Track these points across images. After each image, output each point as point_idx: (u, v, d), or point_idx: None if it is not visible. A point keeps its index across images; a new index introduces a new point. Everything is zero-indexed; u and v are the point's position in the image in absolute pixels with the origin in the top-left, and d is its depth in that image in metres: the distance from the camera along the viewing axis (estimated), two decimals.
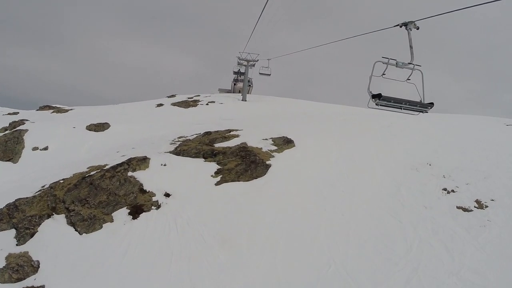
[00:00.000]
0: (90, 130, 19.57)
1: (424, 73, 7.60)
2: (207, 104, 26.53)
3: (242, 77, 37.99)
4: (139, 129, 18.79)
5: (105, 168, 10.34)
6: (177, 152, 11.22)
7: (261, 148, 11.24)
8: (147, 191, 9.29)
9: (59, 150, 16.30)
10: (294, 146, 11.93)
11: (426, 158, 12.11)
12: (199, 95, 32.01)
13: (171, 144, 12.77)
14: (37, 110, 30.99)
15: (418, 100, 7.67)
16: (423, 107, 7.71)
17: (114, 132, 18.92)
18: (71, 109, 30.84)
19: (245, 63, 34.11)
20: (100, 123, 19.88)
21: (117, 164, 10.03)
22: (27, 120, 21.09)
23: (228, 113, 22.60)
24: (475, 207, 9.16)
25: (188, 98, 30.09)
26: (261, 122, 16.79)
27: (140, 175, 9.71)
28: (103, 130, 19.56)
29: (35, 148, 16.50)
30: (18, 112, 25.94)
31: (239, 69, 36.71)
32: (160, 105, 27.20)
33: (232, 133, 12.91)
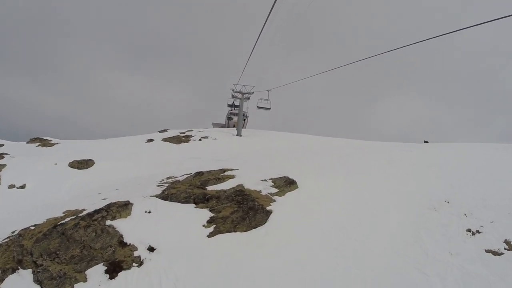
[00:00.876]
0: (72, 167, 18.41)
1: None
2: (200, 139, 25.61)
3: (237, 109, 37.29)
4: (126, 167, 17.67)
5: (80, 215, 9.11)
6: (165, 196, 10.04)
7: (260, 191, 10.12)
8: (128, 244, 8.02)
9: (37, 189, 15.11)
10: (297, 187, 10.84)
11: (442, 195, 11.10)
12: (191, 130, 31.18)
13: (158, 186, 11.61)
14: (27, 142, 29.87)
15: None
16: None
17: (98, 170, 17.78)
18: (57, 143, 29.79)
19: (240, 95, 33.52)
20: (83, 160, 18.74)
21: (94, 211, 8.79)
22: (7, 154, 19.93)
23: (222, 150, 21.64)
24: (505, 248, 8.06)
25: (180, 133, 29.21)
26: (258, 160, 15.77)
27: (120, 224, 8.47)
28: (87, 168, 18.39)
29: (11, 186, 15.32)
30: (3, 145, 24.68)
31: (233, 102, 36.05)
32: (150, 140, 26.24)
33: (226, 173, 11.82)
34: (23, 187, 15.12)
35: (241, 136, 29.75)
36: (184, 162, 17.27)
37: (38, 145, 28.16)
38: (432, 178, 12.56)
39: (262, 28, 12.47)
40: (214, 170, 12.30)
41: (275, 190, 10.36)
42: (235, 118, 45.11)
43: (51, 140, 34.10)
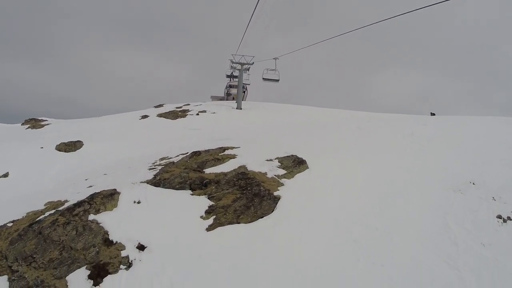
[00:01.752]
0: (59, 150, 17.29)
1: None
2: (197, 114, 24.32)
3: (236, 81, 35.74)
4: (117, 147, 16.54)
5: (61, 208, 8.05)
6: (157, 182, 8.93)
7: (266, 174, 8.99)
8: (114, 242, 6.99)
9: (21, 177, 14.04)
10: (307, 168, 9.70)
11: (467, 175, 10.03)
12: (188, 104, 29.81)
13: (150, 169, 10.49)
14: (22, 124, 29.10)
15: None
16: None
17: (87, 153, 16.67)
18: (48, 124, 28.72)
19: (239, 66, 31.86)
20: (71, 142, 17.61)
21: (74, 204, 7.72)
22: None
23: (221, 125, 20.42)
24: None
25: (177, 107, 27.87)
26: (261, 136, 14.56)
27: (105, 219, 7.40)
28: (75, 150, 17.28)
29: None
30: None
31: (231, 72, 34.15)
32: (145, 116, 24.98)
33: (227, 152, 10.66)
34: (5, 175, 14.03)
35: (241, 109, 28.34)
36: (180, 140, 16.11)
37: (28, 127, 27.07)
38: (452, 155, 11.43)
39: None
40: (212, 149, 11.13)
41: (282, 172, 9.23)
42: (234, 91, 43.53)
43: (42, 121, 33.00)
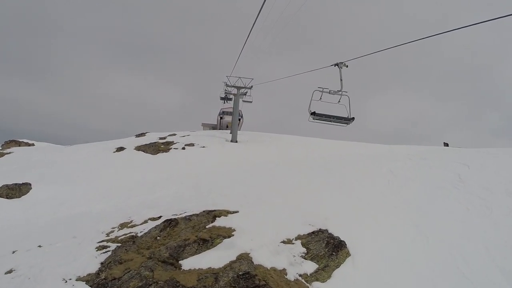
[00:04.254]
0: (0, 196, 13.67)
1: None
2: (183, 148, 20.82)
3: (229, 105, 32.64)
4: (73, 195, 12.97)
5: None
6: (101, 284, 5.39)
7: (284, 272, 5.48)
8: None
9: None
10: (348, 255, 6.19)
11: None
12: (174, 134, 26.40)
13: (99, 248, 6.90)
14: (2, 145, 27.75)
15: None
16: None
17: (33, 201, 13.10)
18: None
19: (235, 90, 28.48)
20: (16, 185, 14.04)
21: None
22: None
23: (211, 164, 16.93)
24: None
25: (160, 138, 24.42)
26: (266, 186, 11.11)
27: None
28: (19, 196, 13.68)
29: None
30: None
31: (225, 95, 30.38)
32: (120, 149, 21.44)
33: (218, 222, 7.15)
34: None
35: (236, 141, 24.84)
36: (154, 188, 12.57)
37: None
38: None
39: (254, 22, 10.34)
40: (196, 215, 7.64)
41: (311, 267, 5.71)
42: (227, 118, 40.31)
43: (18, 144, 30.27)
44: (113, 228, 8.24)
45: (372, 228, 7.45)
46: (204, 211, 7.85)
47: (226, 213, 7.67)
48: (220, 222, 7.13)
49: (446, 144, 27.99)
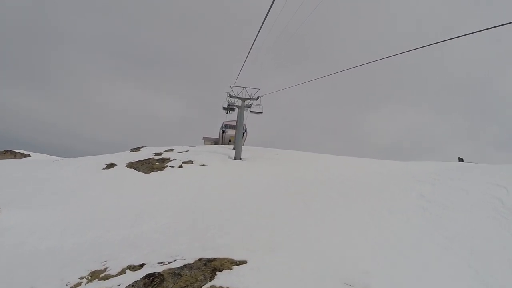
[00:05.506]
0: None
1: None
2: (180, 166, 18.96)
3: (233, 113, 30.02)
4: (47, 222, 11.11)
5: None
6: None
7: None
8: None
9: None
10: None
11: None
12: (172, 150, 24.60)
13: None
14: None
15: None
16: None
17: (0, 227, 11.19)
18: None
19: (239, 102, 26.49)
20: None
21: None
22: None
23: (211, 187, 15.06)
24: None
25: (156, 154, 22.61)
26: (279, 221, 9.23)
27: None
28: None
29: None
30: None
31: (228, 105, 27.85)
32: (111, 165, 19.63)
33: (218, 280, 5.29)
34: None
35: (240, 159, 22.90)
36: (141, 219, 10.69)
37: None
38: None
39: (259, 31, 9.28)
40: (189, 267, 5.77)
41: None
42: (229, 131, 38.49)
43: (13, 155, 28.95)
44: (80, 278, 6.36)
45: (428, 282, 5.57)
46: (200, 260, 5.98)
47: (230, 264, 5.80)
48: (222, 280, 5.25)
49: (461, 160, 26.89)
